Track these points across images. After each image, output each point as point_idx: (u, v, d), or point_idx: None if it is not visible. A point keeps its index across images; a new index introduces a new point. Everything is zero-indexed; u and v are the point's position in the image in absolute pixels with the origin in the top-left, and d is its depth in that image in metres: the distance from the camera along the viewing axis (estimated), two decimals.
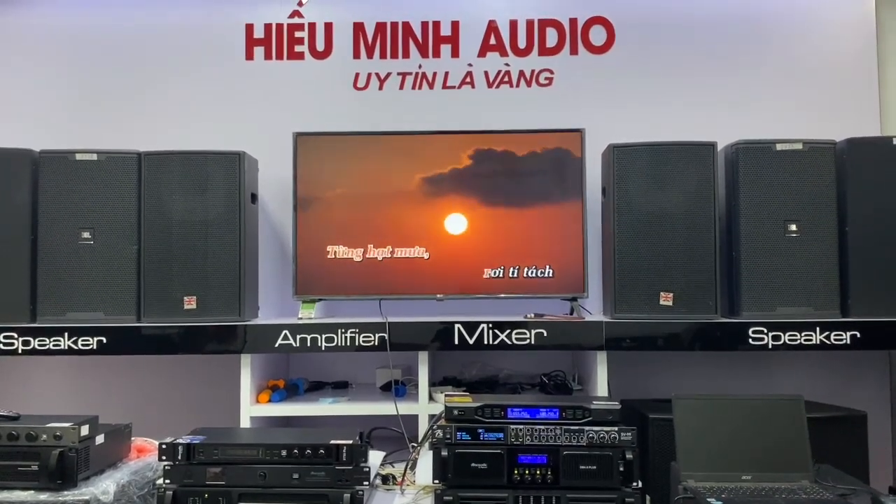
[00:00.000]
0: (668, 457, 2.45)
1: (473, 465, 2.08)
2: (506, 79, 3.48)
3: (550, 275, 3.05)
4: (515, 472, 2.07)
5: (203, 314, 2.87)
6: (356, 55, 3.50)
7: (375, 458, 2.51)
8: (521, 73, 3.47)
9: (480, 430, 2.11)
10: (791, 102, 3.41)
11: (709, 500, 2.08)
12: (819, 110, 3.39)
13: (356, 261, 3.08)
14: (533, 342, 2.81)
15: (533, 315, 2.90)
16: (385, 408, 2.84)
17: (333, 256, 3.08)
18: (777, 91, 3.42)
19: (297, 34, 3.51)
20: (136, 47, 3.50)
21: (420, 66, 3.49)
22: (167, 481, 2.10)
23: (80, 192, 2.90)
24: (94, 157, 2.91)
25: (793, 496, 2.13)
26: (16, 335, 2.81)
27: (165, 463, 2.11)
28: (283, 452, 2.11)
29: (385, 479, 2.48)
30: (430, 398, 2.87)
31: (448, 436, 2.11)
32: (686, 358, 3.19)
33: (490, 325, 2.82)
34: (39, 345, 2.82)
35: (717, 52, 3.45)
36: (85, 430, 2.28)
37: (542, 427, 2.10)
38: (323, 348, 2.83)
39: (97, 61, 3.51)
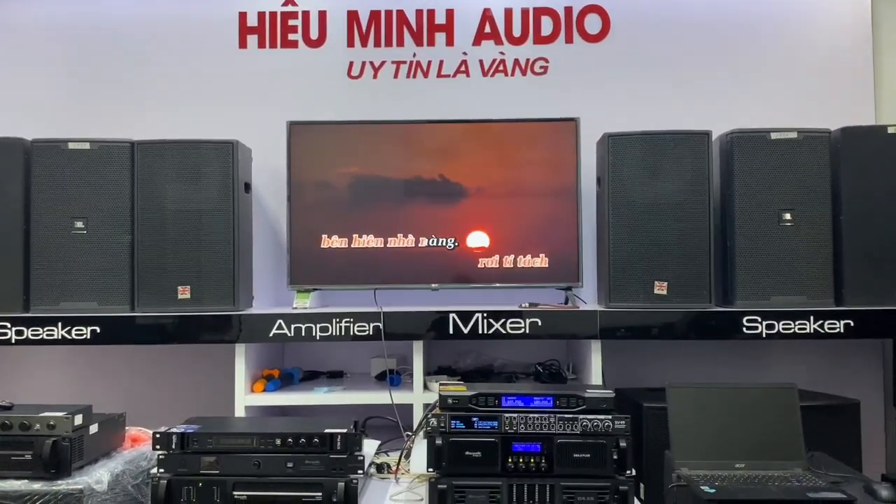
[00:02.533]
0: (662, 445, 2.45)
1: (467, 453, 2.08)
2: (501, 67, 3.46)
3: (545, 264, 3.04)
4: (509, 460, 2.07)
5: (197, 304, 2.87)
6: (350, 43, 3.49)
7: (370, 446, 2.51)
8: (516, 62, 3.46)
9: (474, 419, 2.11)
10: (786, 91, 3.41)
11: (702, 487, 2.09)
12: (814, 99, 3.39)
13: (351, 250, 3.07)
14: (527, 331, 2.81)
15: (527, 304, 2.91)
16: (380, 397, 2.84)
17: (328, 246, 3.07)
18: (772, 80, 3.42)
19: (291, 22, 3.49)
20: (128, 36, 3.48)
21: (414, 55, 3.48)
22: (161, 470, 2.09)
23: (72, 182, 2.89)
24: (87, 146, 2.90)
25: (786, 484, 2.14)
26: (9, 325, 2.81)
27: (160, 452, 2.10)
28: (278, 441, 2.11)
29: (380, 467, 2.48)
30: (425, 387, 2.87)
31: (442, 424, 2.10)
32: (680, 347, 3.20)
33: (485, 315, 2.82)
34: (33, 334, 2.81)
35: (713, 41, 3.44)
36: (78, 420, 2.28)
37: (536, 415, 2.10)
38: (318, 338, 2.83)
39: (89, 50, 3.49)
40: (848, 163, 2.86)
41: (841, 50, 3.42)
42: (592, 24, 3.47)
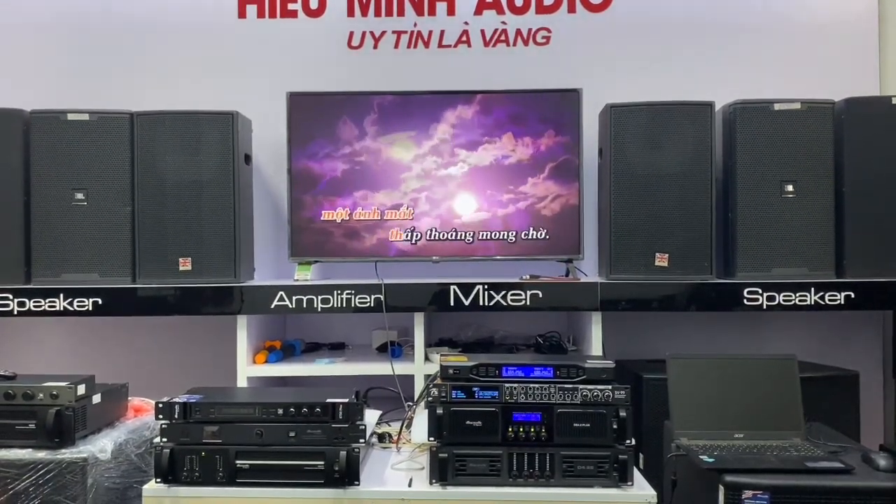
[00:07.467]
0: (661, 416, 2.48)
1: (468, 422, 2.09)
2: (502, 38, 3.42)
3: (546, 236, 3.04)
4: (510, 429, 2.09)
5: (198, 275, 2.87)
6: (350, 13, 3.44)
7: (372, 416, 2.53)
8: (518, 32, 3.42)
9: (475, 389, 2.12)
10: (790, 62, 3.37)
11: (701, 457, 2.10)
12: (818, 70, 3.35)
13: (352, 223, 3.06)
14: (528, 303, 2.82)
15: (528, 276, 2.91)
16: (381, 368, 2.85)
17: (329, 219, 3.06)
18: (776, 50, 3.38)
19: None
20: (127, 5, 3.44)
21: (415, 25, 3.44)
22: (164, 440, 2.10)
23: (72, 153, 2.87)
24: (86, 117, 2.88)
25: (784, 453, 2.16)
26: (11, 296, 2.82)
27: (162, 421, 2.12)
28: (280, 411, 2.12)
29: (381, 437, 2.50)
30: (426, 359, 2.88)
31: (443, 394, 2.12)
32: (681, 319, 3.20)
33: (486, 287, 2.82)
34: (35, 306, 2.82)
35: (717, 10, 3.40)
36: (81, 390, 2.30)
37: (537, 385, 2.11)
38: (319, 309, 2.83)
39: (87, 20, 3.44)
40: (851, 134, 2.84)
41: (846, 20, 3.38)
42: None
